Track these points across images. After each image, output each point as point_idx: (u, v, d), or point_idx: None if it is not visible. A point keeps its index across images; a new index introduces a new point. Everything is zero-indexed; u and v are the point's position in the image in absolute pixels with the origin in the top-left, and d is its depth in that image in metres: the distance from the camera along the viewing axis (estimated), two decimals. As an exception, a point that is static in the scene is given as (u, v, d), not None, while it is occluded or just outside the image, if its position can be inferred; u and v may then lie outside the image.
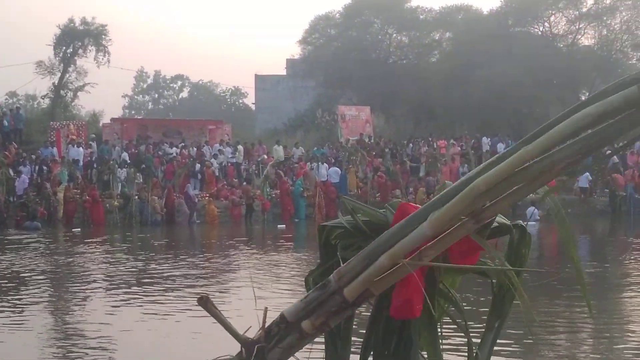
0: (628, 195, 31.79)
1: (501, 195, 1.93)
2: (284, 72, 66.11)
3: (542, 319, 9.64)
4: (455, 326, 2.86)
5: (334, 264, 2.72)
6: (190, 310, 10.23)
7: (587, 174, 33.15)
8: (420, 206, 2.64)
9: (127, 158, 33.26)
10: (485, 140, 38.82)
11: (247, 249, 19.76)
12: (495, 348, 2.79)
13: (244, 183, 31.82)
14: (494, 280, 2.74)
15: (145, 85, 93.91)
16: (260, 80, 67.14)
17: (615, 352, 8.06)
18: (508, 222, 2.72)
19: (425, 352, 2.75)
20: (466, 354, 2.71)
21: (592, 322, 9.94)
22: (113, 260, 17.03)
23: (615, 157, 35.60)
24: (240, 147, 36.39)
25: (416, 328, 2.67)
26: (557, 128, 1.84)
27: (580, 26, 50.21)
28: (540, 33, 51.36)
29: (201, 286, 12.85)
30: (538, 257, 19.67)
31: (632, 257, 16.87)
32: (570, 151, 1.80)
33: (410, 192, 31.55)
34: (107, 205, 28.56)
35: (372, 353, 2.74)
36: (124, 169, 31.29)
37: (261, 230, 27.02)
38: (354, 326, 2.89)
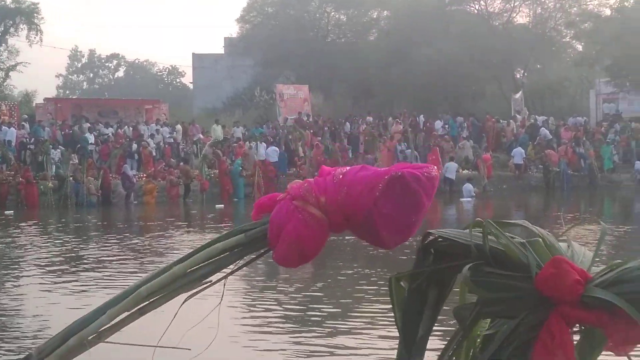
0: (561, 170, 32.44)
1: (161, 294, 2.55)
2: (222, 51, 65.63)
3: None
4: None
5: (429, 271, 2.62)
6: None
7: (521, 149, 33.77)
8: (572, 263, 2.37)
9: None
10: (423, 118, 39.13)
11: (184, 230, 19.59)
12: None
13: (181, 163, 31.52)
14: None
15: (79, 65, 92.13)
16: (197, 59, 66.44)
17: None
18: None
19: None
20: None
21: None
22: (46, 243, 16.73)
23: (549, 133, 36.40)
24: (178, 127, 36.03)
25: None
26: (201, 254, 2.54)
27: (515, 4, 50.84)
28: (476, 11, 51.88)
29: (131, 270, 12.72)
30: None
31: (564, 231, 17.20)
32: (209, 269, 2.55)
33: (349, 170, 31.62)
34: (42, 187, 28.00)
35: None
36: (58, 150, 30.75)
37: (199, 210, 26.83)
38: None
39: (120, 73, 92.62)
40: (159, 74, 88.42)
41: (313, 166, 32.16)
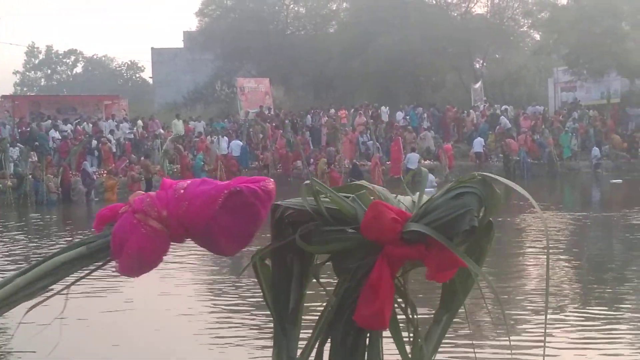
0: (521, 159, 32.72)
1: (2, 306, 2.56)
2: (181, 45, 65.23)
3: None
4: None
5: (286, 244, 2.67)
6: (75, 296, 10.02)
7: (481, 139, 34.04)
8: (390, 205, 2.54)
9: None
10: (384, 109, 39.27)
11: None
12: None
13: (142, 158, 31.27)
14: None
15: (36, 61, 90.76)
16: (157, 53, 65.96)
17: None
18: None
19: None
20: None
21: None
22: (2, 241, 16.50)
23: (508, 122, 36.71)
24: (140, 122, 35.72)
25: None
26: (42, 266, 2.56)
27: (473, -5, 51.24)
28: (435, 2, 52.14)
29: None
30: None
31: (525, 221, 17.42)
32: (51, 281, 2.56)
33: (311, 162, 31.68)
34: (0, 185, 27.60)
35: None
36: (17, 148, 30.32)
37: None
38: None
39: (79, 69, 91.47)
40: (117, 69, 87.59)
41: (276, 159, 32.16)
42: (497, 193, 2.50)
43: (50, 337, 3.04)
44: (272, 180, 2.68)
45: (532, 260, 12.06)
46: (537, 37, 50.60)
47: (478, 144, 33.71)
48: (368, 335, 2.65)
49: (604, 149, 34.90)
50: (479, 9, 52.38)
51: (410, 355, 2.67)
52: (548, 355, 6.46)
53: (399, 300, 2.68)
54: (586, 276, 10.67)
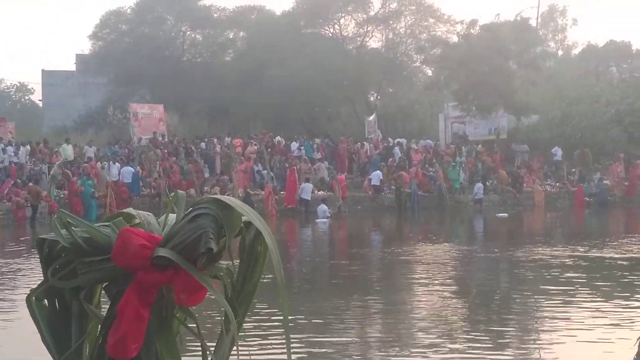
0: (412, 192, 33.33)
1: None
2: (73, 68, 63.86)
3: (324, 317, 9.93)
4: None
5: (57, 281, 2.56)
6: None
7: (379, 172, 34.55)
8: (140, 230, 2.51)
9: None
10: (280, 139, 39.36)
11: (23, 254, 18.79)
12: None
13: (31, 183, 30.21)
14: (227, 281, 2.69)
15: None
16: (47, 75, 64.33)
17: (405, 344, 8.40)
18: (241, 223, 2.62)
19: None
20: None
21: (378, 319, 10.35)
22: None
23: (401, 155, 37.43)
24: (27, 147, 34.41)
25: (152, 344, 2.56)
26: None
27: (369, 29, 52.26)
28: (331, 35, 52.92)
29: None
30: (328, 252, 20.31)
31: (414, 249, 17.74)
32: None
33: (205, 191, 31.36)
34: None
35: None
36: None
37: (46, 233, 25.69)
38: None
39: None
40: (6, 90, 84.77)
41: (169, 187, 31.65)
42: (235, 211, 2.52)
43: None
44: None
45: (425, 292, 12.25)
46: (429, 72, 52.05)
47: (376, 177, 34.10)
48: None
49: (490, 183, 35.99)
50: (374, 43, 53.54)
51: None
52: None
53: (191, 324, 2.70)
54: (469, 306, 10.92)
